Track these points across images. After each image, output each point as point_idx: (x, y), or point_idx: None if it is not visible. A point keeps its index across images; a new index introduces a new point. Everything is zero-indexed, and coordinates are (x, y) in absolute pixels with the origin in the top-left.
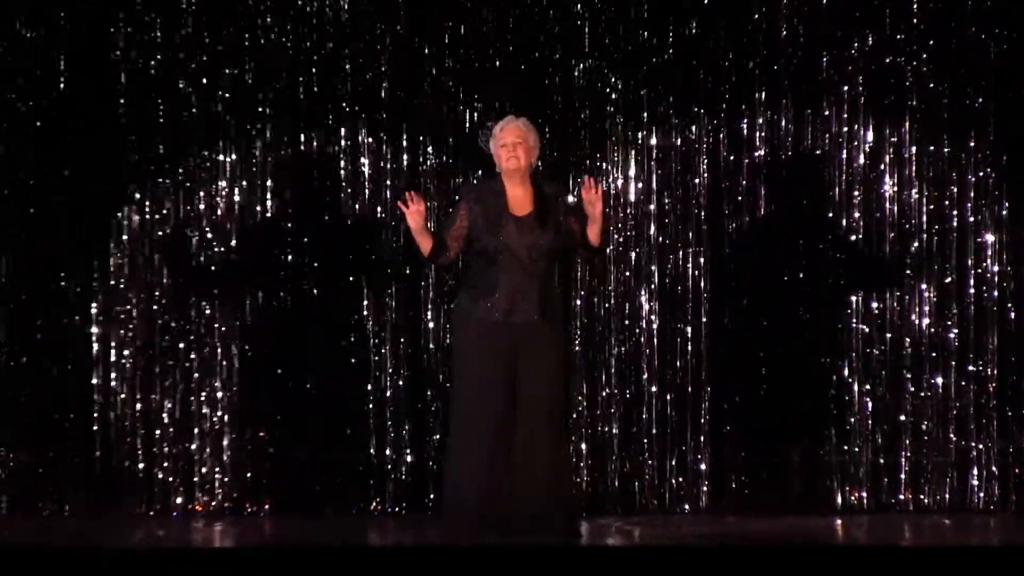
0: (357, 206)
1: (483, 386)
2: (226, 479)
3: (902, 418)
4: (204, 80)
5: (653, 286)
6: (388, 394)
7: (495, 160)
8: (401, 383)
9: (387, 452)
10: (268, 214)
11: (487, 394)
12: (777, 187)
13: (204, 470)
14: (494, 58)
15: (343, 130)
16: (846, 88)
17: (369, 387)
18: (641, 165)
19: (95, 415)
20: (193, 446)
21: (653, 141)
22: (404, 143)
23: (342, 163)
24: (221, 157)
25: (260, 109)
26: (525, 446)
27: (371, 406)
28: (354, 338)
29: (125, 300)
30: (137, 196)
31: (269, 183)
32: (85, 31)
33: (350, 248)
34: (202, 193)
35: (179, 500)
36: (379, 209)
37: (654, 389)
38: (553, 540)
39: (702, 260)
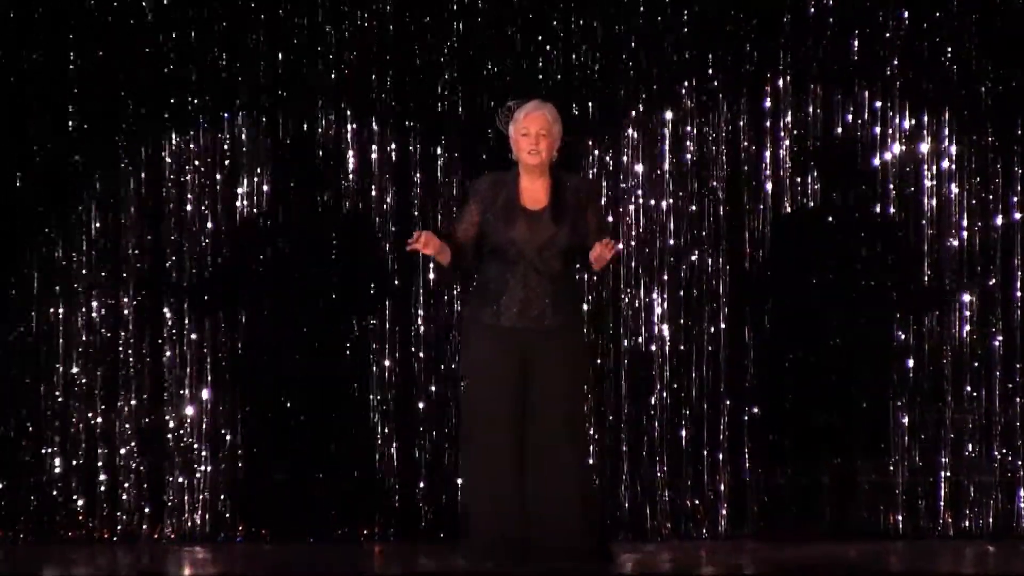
0: (342, 207)
1: (492, 398)
2: (198, 502)
3: (942, 434)
4: (176, 60)
5: (666, 289)
6: (376, 409)
7: (511, 145)
8: (390, 397)
9: (375, 473)
10: (246, 213)
11: (496, 407)
12: (804, 181)
13: (173, 492)
14: (497, 38)
15: (325, 118)
16: (880, 72)
17: (356, 401)
18: (655, 156)
19: (49, 430)
20: (162, 465)
21: (668, 130)
22: (390, 132)
23: (324, 157)
24: (192, 147)
25: (237, 97)
26: (541, 464)
27: (358, 421)
28: (340, 348)
29: (83, 302)
30: (96, 189)
31: (245, 178)
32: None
33: (336, 251)
34: (171, 188)
35: (145, 526)
36: (365, 210)
37: (668, 402)
38: (583, 566)
39: (721, 260)
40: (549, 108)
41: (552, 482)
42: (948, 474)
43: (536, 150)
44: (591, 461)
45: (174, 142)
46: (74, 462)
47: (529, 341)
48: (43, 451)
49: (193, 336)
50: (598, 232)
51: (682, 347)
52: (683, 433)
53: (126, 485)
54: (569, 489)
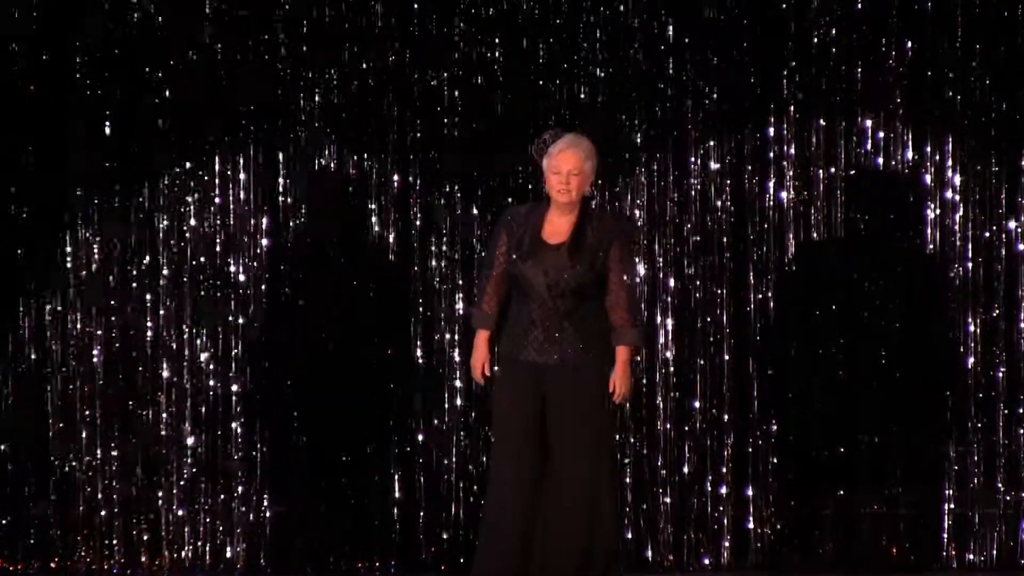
0: (346, 228)
1: (509, 434)
2: (197, 532)
3: (945, 466)
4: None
5: (670, 317)
6: (375, 438)
7: (544, 178)
8: (391, 428)
9: (375, 505)
10: (247, 236)
11: (513, 442)
12: (807, 210)
13: (172, 524)
14: (497, 69)
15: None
16: (884, 101)
17: (356, 432)
18: (657, 186)
19: (47, 462)
20: (160, 494)
21: (670, 160)
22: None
23: (329, 182)
24: (200, 172)
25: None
26: (553, 500)
27: (358, 453)
28: (340, 378)
29: (84, 329)
30: (99, 212)
31: (249, 201)
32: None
33: (334, 282)
34: (168, 212)
35: (144, 555)
36: (366, 242)
37: (669, 431)
38: None
39: (724, 291)
40: (583, 145)
41: (560, 516)
42: (952, 506)
43: (566, 189)
44: (616, 504)
45: (174, 173)
46: (70, 494)
47: (545, 376)
48: (41, 482)
49: (192, 368)
50: (617, 272)
51: (685, 378)
52: (686, 464)
53: (124, 517)
54: (576, 524)
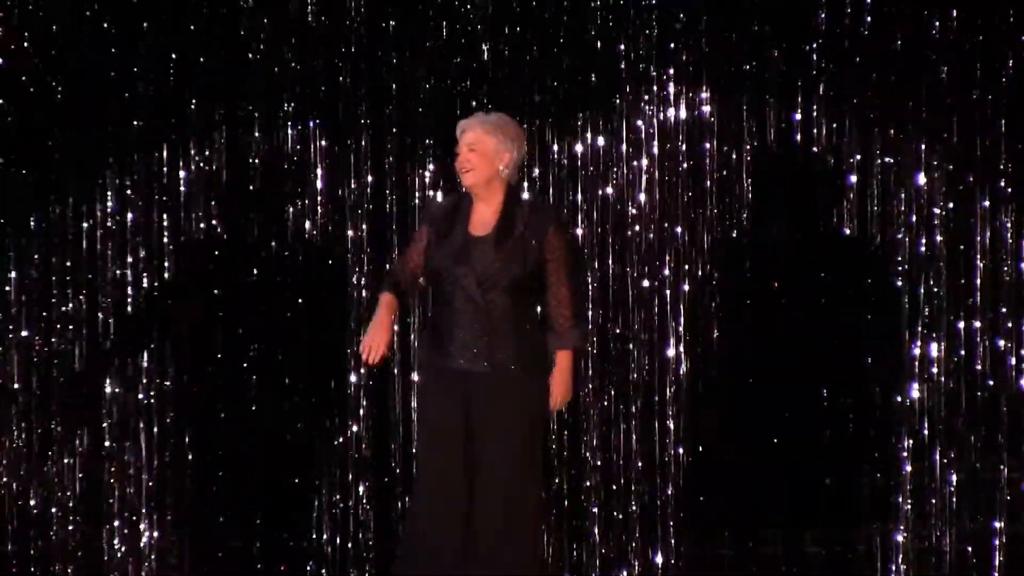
0: (297, 238)
1: (432, 448)
2: (138, 569)
3: (947, 494)
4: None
5: (670, 326)
6: (306, 469)
7: None
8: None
9: (321, 534)
10: (197, 240)
11: (436, 456)
12: (836, 205)
13: (109, 559)
14: (485, 37)
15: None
16: (925, 77)
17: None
18: (657, 173)
19: None
20: (98, 529)
21: (679, 143)
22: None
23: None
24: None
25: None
26: (479, 520)
27: (303, 481)
28: (291, 406)
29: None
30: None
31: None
32: None
33: (292, 301)
34: (99, 213)
35: None
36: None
37: (640, 448)
38: None
39: (717, 296)
40: (491, 119)
41: (484, 535)
42: (1003, 540)
43: (464, 167)
44: (540, 531)
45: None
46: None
47: (471, 384)
48: None
49: (133, 382)
50: (557, 266)
51: (656, 397)
52: (660, 492)
53: (61, 551)
54: (499, 544)
